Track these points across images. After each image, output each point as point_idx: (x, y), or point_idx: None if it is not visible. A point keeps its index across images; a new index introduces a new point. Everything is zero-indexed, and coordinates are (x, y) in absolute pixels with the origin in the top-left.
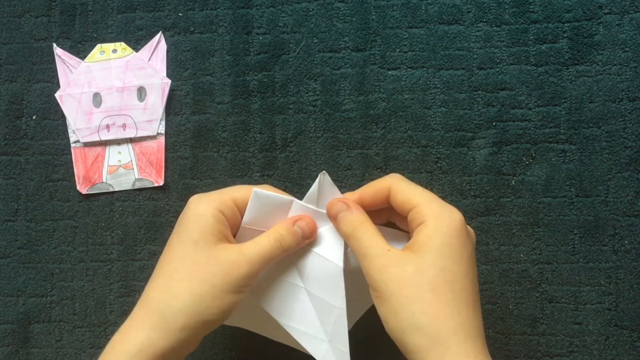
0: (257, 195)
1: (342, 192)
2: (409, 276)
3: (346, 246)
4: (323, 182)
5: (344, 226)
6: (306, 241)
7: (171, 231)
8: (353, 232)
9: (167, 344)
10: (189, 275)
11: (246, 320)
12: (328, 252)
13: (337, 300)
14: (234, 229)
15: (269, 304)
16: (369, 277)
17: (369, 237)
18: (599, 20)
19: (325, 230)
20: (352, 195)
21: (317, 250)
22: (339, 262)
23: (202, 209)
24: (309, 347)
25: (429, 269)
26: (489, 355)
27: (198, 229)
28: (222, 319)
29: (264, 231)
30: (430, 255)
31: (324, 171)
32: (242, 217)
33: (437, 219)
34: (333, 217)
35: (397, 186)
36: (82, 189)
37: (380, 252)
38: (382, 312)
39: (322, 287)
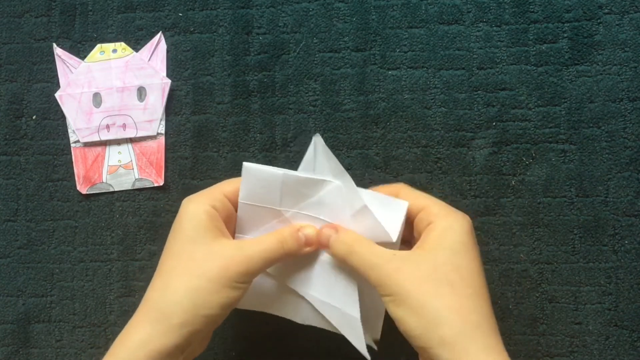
0: (248, 169)
1: None
2: (425, 274)
3: (356, 204)
4: (317, 147)
5: (339, 247)
6: (308, 249)
7: None
8: (351, 248)
9: (167, 341)
10: (185, 270)
11: (257, 301)
12: (334, 217)
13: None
14: (229, 222)
15: (280, 272)
16: (380, 285)
17: (370, 248)
18: (599, 20)
19: (327, 195)
20: None
21: (322, 217)
22: (347, 225)
23: (194, 207)
24: (326, 313)
25: (444, 266)
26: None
27: (192, 227)
28: (221, 314)
29: (263, 207)
30: (445, 253)
31: (317, 134)
32: (235, 210)
33: (447, 219)
34: (324, 244)
35: (406, 190)
36: (82, 189)
37: (388, 258)
38: (399, 313)
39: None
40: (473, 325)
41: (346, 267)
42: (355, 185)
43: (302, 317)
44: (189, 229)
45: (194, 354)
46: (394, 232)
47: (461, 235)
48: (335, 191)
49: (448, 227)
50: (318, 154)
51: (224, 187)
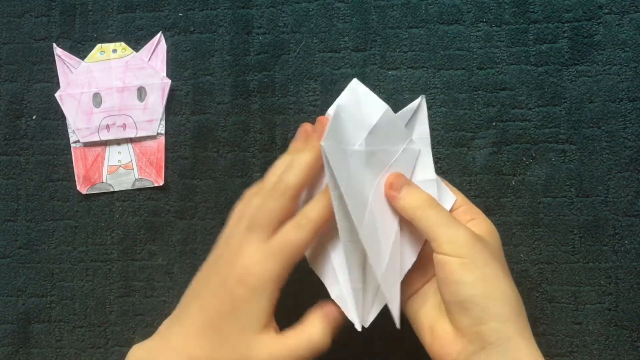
0: (355, 87)
1: None
2: (493, 253)
3: (426, 175)
4: (420, 107)
5: (413, 198)
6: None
7: (171, 231)
8: (427, 202)
9: None
10: (228, 355)
11: None
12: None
13: (394, 223)
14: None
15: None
16: (454, 243)
17: (445, 209)
18: (599, 20)
19: (404, 152)
20: None
21: (390, 168)
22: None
23: (265, 297)
24: (376, 264)
25: (498, 254)
26: None
27: (254, 316)
28: None
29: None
30: (496, 247)
31: (423, 95)
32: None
33: (489, 222)
34: (397, 189)
35: (448, 185)
36: (82, 189)
37: (463, 225)
38: (468, 277)
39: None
40: (523, 313)
41: (385, 217)
42: (432, 159)
43: (317, 263)
44: (249, 317)
45: None
46: None
47: (499, 239)
48: (412, 153)
49: (492, 229)
50: (415, 113)
51: (295, 254)
